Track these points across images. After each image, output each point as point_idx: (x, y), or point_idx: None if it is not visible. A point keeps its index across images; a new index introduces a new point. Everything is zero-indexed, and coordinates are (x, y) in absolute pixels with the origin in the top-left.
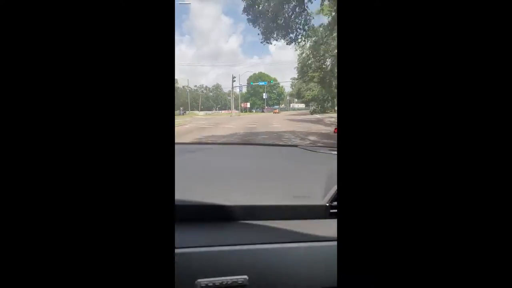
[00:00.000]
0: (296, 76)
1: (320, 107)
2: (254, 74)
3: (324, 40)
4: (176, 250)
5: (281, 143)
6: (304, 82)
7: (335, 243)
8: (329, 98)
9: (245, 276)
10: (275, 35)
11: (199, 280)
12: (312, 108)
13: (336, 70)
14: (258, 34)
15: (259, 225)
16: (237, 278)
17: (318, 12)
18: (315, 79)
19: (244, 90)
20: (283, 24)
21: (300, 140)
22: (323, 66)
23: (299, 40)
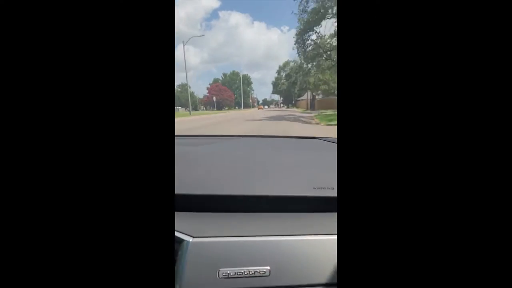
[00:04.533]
0: None
1: None
2: None
3: None
4: (198, 239)
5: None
6: None
7: None
8: None
9: (268, 267)
10: None
11: (221, 269)
12: None
13: None
14: None
15: (281, 216)
16: (259, 269)
17: None
18: None
19: None
20: None
21: None
22: None
23: None
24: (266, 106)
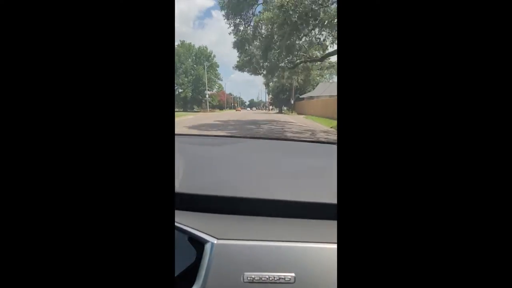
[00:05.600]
0: None
1: None
2: None
3: None
4: (223, 241)
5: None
6: None
7: None
8: None
9: (293, 274)
10: None
11: (246, 273)
12: None
13: None
14: None
15: (307, 223)
16: (284, 275)
17: None
18: None
19: None
20: None
21: None
22: None
23: None
24: (248, 108)
